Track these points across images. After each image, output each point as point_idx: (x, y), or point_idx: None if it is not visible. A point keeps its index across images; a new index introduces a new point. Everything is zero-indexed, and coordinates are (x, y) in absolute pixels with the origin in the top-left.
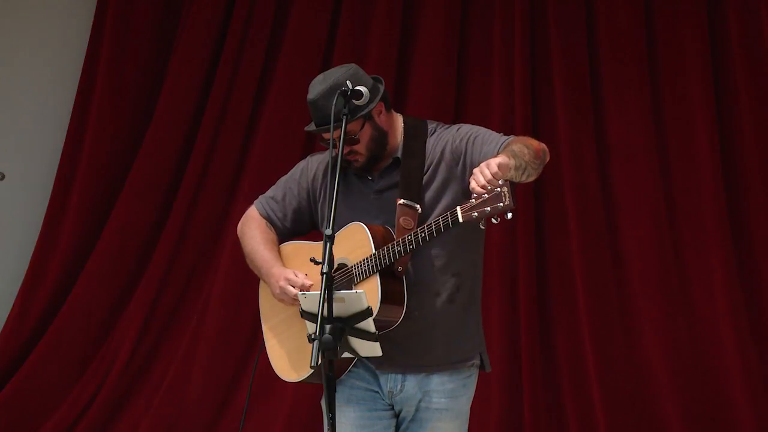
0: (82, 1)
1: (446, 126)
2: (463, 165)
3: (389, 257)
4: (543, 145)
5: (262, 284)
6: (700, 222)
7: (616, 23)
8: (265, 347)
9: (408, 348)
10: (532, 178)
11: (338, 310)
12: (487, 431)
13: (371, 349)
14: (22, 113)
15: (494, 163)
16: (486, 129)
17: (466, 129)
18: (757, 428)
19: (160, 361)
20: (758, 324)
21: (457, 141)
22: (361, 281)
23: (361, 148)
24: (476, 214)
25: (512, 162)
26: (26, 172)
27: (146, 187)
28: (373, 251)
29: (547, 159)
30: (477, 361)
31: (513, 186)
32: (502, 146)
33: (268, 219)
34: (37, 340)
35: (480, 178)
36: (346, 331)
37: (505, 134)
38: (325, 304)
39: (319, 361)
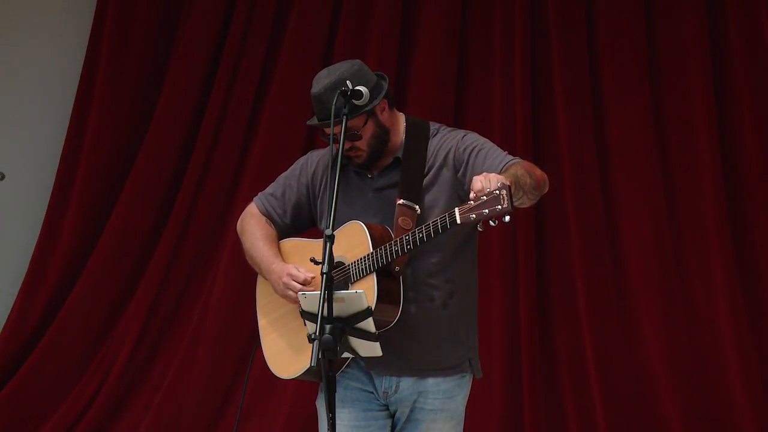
0: (82, 1)
1: (450, 129)
2: (463, 174)
3: (387, 257)
4: (545, 176)
5: (260, 279)
6: (700, 222)
7: (616, 23)
8: (259, 344)
9: (401, 352)
10: (525, 206)
11: (338, 310)
12: (488, 431)
13: (371, 349)
14: (22, 113)
15: (494, 177)
16: (492, 144)
17: (472, 138)
18: (757, 428)
19: (160, 361)
20: (758, 324)
21: (461, 149)
22: (357, 280)
23: (362, 144)
24: (474, 215)
25: (512, 188)
26: (26, 172)
27: (146, 187)
28: (371, 250)
29: (546, 189)
30: (466, 367)
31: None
32: (506, 166)
33: (268, 216)
34: (37, 340)
35: (478, 183)
36: (346, 331)
37: (510, 152)
38: (325, 304)
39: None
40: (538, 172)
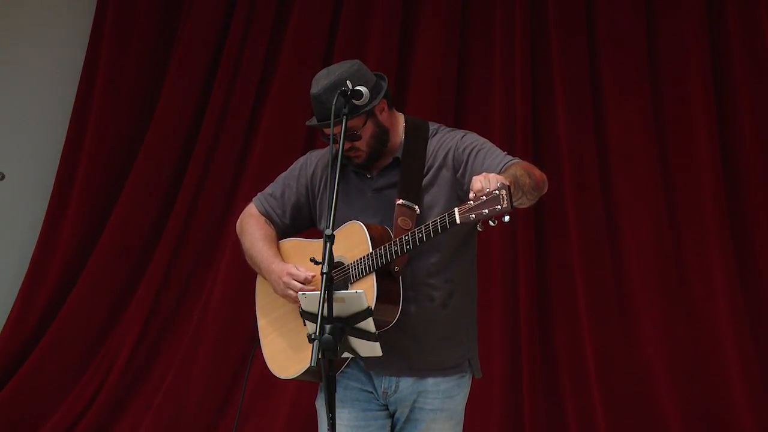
0: (82, 1)
1: (449, 129)
2: (462, 174)
3: (386, 257)
4: (544, 176)
5: (259, 279)
6: (700, 222)
7: (616, 23)
8: (259, 344)
9: (401, 352)
10: (524, 206)
11: (338, 310)
12: (488, 431)
13: (371, 349)
14: (22, 113)
15: (493, 177)
16: (491, 144)
17: (472, 138)
18: (757, 428)
19: (161, 361)
20: (758, 324)
21: (461, 149)
22: (357, 280)
23: (362, 144)
24: (474, 215)
25: (511, 188)
26: (26, 172)
27: (147, 187)
28: (371, 250)
29: (545, 190)
30: (466, 367)
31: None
32: (505, 166)
33: (267, 216)
34: (37, 340)
35: (478, 183)
36: (346, 331)
37: (510, 152)
38: (325, 304)
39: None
40: (537, 172)
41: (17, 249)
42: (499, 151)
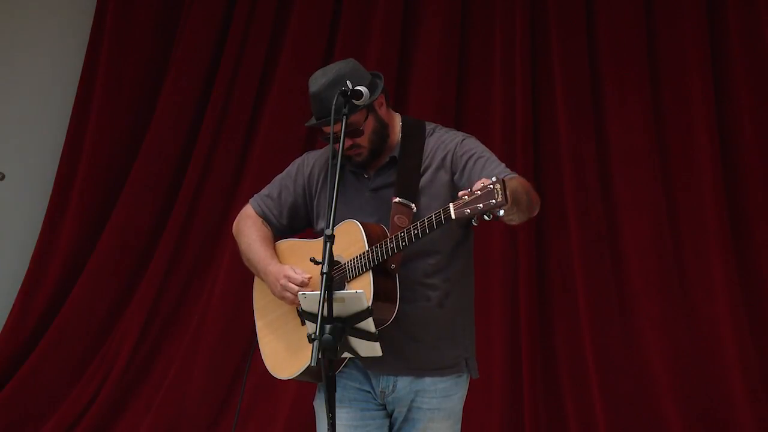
0: (82, 1)
1: (447, 129)
2: (459, 178)
3: (382, 254)
4: (539, 200)
5: (256, 280)
6: (700, 222)
7: (616, 23)
8: (257, 345)
9: (398, 351)
10: (513, 223)
11: (338, 310)
12: (488, 431)
13: (371, 348)
14: (22, 113)
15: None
16: (492, 153)
17: (472, 144)
18: (757, 428)
19: (161, 361)
20: (758, 324)
21: (459, 153)
22: (354, 278)
23: (364, 140)
24: (469, 210)
25: (509, 199)
26: (26, 172)
27: (147, 187)
28: (367, 248)
29: (535, 213)
30: (463, 367)
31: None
32: (506, 178)
33: (264, 217)
34: (37, 340)
35: (478, 185)
36: (346, 331)
37: (509, 151)
38: (325, 304)
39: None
40: (534, 194)
41: (17, 249)
42: (499, 162)
